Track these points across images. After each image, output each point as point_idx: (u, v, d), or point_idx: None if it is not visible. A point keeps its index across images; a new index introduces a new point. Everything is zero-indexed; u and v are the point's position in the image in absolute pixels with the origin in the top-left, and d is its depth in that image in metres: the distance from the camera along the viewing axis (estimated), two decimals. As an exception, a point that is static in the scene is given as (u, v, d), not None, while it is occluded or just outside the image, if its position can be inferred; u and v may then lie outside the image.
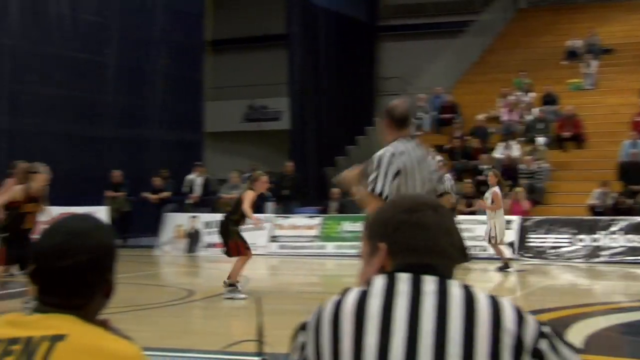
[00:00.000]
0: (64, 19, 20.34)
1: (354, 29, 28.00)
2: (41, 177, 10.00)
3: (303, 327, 1.98)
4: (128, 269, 13.45)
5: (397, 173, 5.35)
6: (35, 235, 9.87)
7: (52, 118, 20.00)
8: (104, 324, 1.99)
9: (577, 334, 8.14)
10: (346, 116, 26.84)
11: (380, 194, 5.31)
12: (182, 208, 19.97)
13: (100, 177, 20.65)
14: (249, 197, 11.30)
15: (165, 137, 23.14)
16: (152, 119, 22.90)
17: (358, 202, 5.57)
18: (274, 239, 18.37)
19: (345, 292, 1.96)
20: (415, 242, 1.96)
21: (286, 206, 20.29)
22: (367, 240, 2.05)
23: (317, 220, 18.42)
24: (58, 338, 1.86)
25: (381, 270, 1.97)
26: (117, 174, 19.82)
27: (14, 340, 1.88)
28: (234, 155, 27.99)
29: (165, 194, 20.18)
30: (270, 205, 20.95)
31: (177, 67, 23.46)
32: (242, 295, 11.06)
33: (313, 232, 18.14)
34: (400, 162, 5.35)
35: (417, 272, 1.93)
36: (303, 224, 18.31)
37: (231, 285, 11.14)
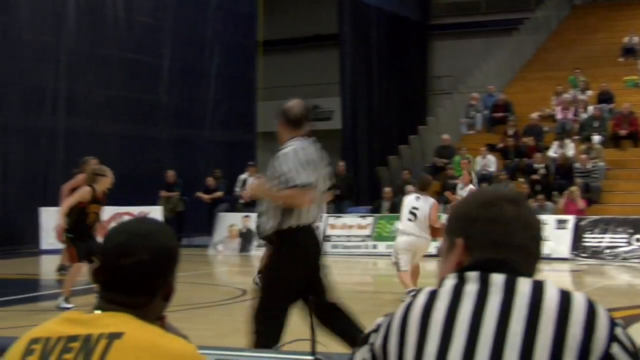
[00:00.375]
0: (120, 21, 20.62)
1: (405, 28, 27.90)
2: (107, 181, 10.36)
3: (376, 329, 1.95)
4: (182, 268, 13.49)
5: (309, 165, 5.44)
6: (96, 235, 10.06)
7: (107, 119, 20.28)
8: (162, 321, 2.02)
9: (635, 335, 8.01)
10: (398, 115, 26.77)
11: (308, 183, 5.36)
12: (234, 208, 20.10)
13: (154, 177, 20.89)
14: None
15: (218, 137, 23.32)
16: (206, 120, 23.09)
17: (285, 204, 5.55)
18: (326, 238, 18.39)
19: (417, 293, 1.92)
20: (492, 236, 1.89)
21: (338, 206, 20.30)
22: (445, 236, 1.99)
23: (369, 220, 18.39)
24: (115, 336, 1.89)
25: (458, 267, 1.91)
26: (171, 174, 20.01)
27: (73, 338, 1.91)
28: (286, 155, 28.00)
29: (218, 194, 20.32)
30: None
31: (230, 67, 23.62)
32: None
33: (365, 232, 18.12)
34: (308, 156, 5.51)
35: (489, 269, 1.85)
36: (355, 223, 18.28)
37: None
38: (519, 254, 1.89)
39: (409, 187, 12.39)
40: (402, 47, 27.58)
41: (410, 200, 11.13)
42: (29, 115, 18.49)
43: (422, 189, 11.28)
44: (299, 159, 5.43)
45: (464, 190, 16.13)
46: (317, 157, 5.59)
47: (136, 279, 1.98)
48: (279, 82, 28.66)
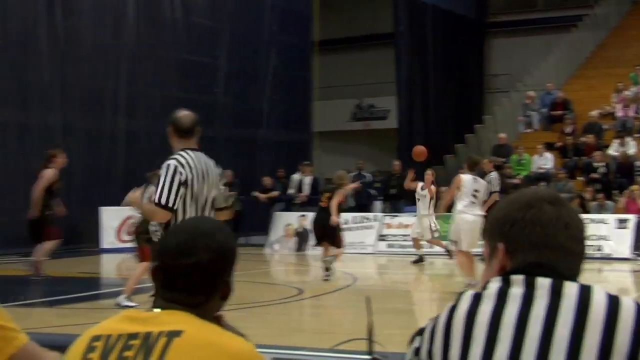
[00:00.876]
0: (178, 23, 20.85)
1: (462, 26, 27.70)
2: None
3: (420, 332, 1.95)
4: (239, 267, 13.59)
5: (182, 183, 5.38)
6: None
7: (165, 119, 20.40)
8: (219, 320, 2.05)
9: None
10: (454, 114, 26.59)
11: (166, 205, 5.28)
12: (291, 207, 20.18)
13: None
14: (339, 195, 12.55)
15: (274, 137, 23.43)
16: (262, 120, 23.22)
17: (145, 215, 5.61)
18: (382, 237, 18.35)
19: (460, 296, 1.91)
20: (532, 239, 1.86)
21: (394, 205, 20.24)
22: (486, 241, 1.96)
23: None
24: (175, 334, 1.92)
25: (501, 272, 1.88)
26: (228, 174, 20.15)
27: (133, 335, 1.94)
28: (342, 154, 28.08)
29: (274, 193, 20.43)
30: (378, 204, 20.94)
31: (286, 67, 23.71)
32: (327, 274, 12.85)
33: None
34: (185, 173, 5.41)
35: (534, 273, 1.83)
36: (411, 222, 18.21)
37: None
38: (560, 255, 1.86)
39: (461, 169, 12.63)
40: (459, 45, 27.38)
41: (469, 181, 11.35)
42: (90, 116, 18.80)
43: (471, 168, 11.63)
44: (171, 176, 5.41)
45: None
46: (205, 167, 5.59)
47: (195, 278, 2.00)
48: (334, 82, 28.69)
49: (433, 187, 15.29)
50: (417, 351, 1.93)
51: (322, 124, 26.48)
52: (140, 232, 10.16)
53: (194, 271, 2.00)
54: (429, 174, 15.54)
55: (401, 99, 25.53)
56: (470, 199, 11.24)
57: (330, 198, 13.14)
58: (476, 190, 11.32)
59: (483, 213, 11.15)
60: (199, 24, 21.36)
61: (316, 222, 13.55)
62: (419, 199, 15.48)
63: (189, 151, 5.60)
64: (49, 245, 12.37)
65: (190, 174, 5.42)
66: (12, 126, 17.27)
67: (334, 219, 12.77)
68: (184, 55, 20.93)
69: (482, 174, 13.13)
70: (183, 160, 5.48)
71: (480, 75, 29.11)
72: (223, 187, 5.84)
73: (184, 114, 5.86)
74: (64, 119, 18.28)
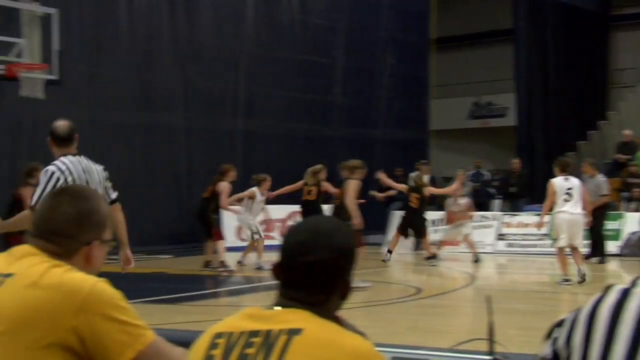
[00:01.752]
0: (295, 24, 21.08)
1: (584, 20, 26.94)
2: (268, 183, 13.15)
3: (559, 324, 1.90)
4: (357, 266, 13.69)
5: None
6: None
7: (283, 120, 20.78)
8: (338, 320, 2.05)
9: None
10: (576, 110, 25.90)
11: (33, 208, 5.61)
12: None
13: (328, 176, 21.19)
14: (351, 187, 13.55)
15: (391, 136, 23.39)
16: (379, 119, 23.22)
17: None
18: (501, 237, 18.06)
19: (607, 289, 1.85)
20: None
21: (514, 204, 19.89)
22: None
23: (545, 218, 17.87)
24: (295, 332, 1.93)
25: None
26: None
27: (254, 333, 1.97)
28: (459, 152, 27.79)
29: (391, 192, 20.37)
30: (497, 203, 20.62)
31: (403, 66, 23.64)
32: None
33: (542, 230, 17.64)
34: (63, 177, 5.83)
35: None
36: (531, 221, 17.85)
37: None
38: None
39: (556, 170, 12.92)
40: (580, 39, 26.63)
41: (561, 183, 12.14)
42: (210, 117, 19.22)
43: (563, 170, 12.29)
44: (46, 180, 5.81)
45: (457, 203, 16.03)
46: (85, 170, 6.03)
47: (315, 277, 2.01)
48: (452, 80, 28.42)
49: None
50: (555, 341, 1.88)
51: (439, 122, 26.26)
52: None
53: (313, 270, 2.01)
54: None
55: (520, 96, 25.06)
56: (564, 197, 12.04)
57: (418, 198, 14.99)
58: (569, 189, 12.09)
59: (582, 211, 12.11)
60: (316, 24, 21.54)
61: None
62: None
63: (69, 156, 6.01)
64: (220, 245, 13.93)
65: (70, 177, 5.86)
66: (137, 127, 17.83)
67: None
68: (302, 55, 21.14)
69: (579, 176, 13.39)
70: (62, 167, 5.92)
71: (604, 70, 28.23)
72: (109, 184, 6.33)
73: (61, 124, 6.22)
74: (185, 120, 18.75)
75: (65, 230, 2.26)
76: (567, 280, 11.97)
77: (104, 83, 17.14)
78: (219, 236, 14.07)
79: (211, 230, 13.99)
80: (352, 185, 12.49)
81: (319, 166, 14.55)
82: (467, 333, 7.85)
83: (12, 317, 2.05)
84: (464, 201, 16.23)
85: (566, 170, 12.31)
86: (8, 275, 2.13)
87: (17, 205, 9.80)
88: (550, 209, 12.33)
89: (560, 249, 12.17)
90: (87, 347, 2.06)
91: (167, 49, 18.37)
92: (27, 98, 11.91)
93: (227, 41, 19.63)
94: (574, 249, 12.16)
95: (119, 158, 17.35)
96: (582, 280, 11.93)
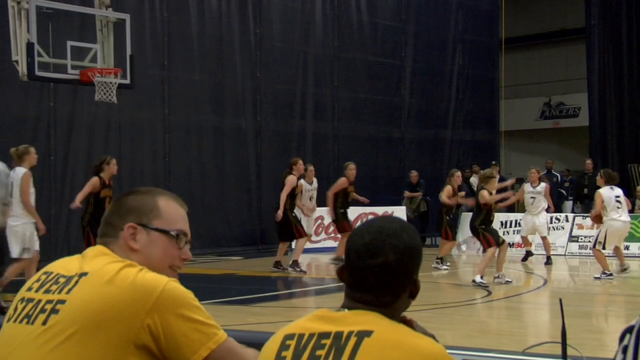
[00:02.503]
0: (364, 25, 21.09)
1: (659, 17, 26.33)
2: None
3: (630, 329, 1.86)
4: (426, 268, 13.65)
5: None
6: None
7: (352, 121, 20.80)
8: (408, 322, 2.05)
9: None
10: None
11: None
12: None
13: (397, 177, 21.18)
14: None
15: (461, 137, 23.23)
16: (448, 119, 23.08)
17: None
18: (573, 238, 17.77)
19: None
20: None
21: (586, 205, 19.55)
22: None
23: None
24: (365, 334, 1.94)
25: None
26: (414, 175, 20.17)
27: (324, 335, 1.98)
28: (530, 153, 27.44)
29: (461, 194, 20.22)
30: (569, 204, 20.30)
31: (472, 66, 23.46)
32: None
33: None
34: None
35: None
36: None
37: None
38: None
39: (599, 180, 13.63)
40: (656, 37, 26.06)
41: (608, 193, 13.04)
42: (279, 119, 19.34)
43: (608, 182, 13.18)
44: None
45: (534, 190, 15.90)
46: None
47: (383, 278, 2.01)
48: (522, 80, 28.09)
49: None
50: (625, 349, 1.85)
51: (510, 122, 25.97)
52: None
53: (381, 271, 2.01)
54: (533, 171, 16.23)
55: (593, 96, 24.62)
56: (615, 205, 12.98)
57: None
58: (617, 197, 13.07)
59: (629, 219, 13.38)
60: (385, 25, 21.52)
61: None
62: (533, 198, 15.79)
63: None
64: (301, 242, 14.06)
65: None
66: (208, 129, 18.05)
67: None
68: (370, 57, 21.14)
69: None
70: None
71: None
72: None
73: None
74: (255, 122, 18.91)
75: (108, 219, 2.33)
76: (609, 275, 13.11)
77: (175, 87, 17.40)
78: (301, 234, 13.99)
79: (290, 229, 13.85)
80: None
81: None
82: (538, 336, 7.77)
83: (87, 315, 2.09)
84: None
85: (611, 182, 13.23)
86: (83, 274, 2.18)
87: None
88: (600, 218, 13.13)
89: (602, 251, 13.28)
90: (160, 345, 2.10)
91: (237, 52, 18.55)
92: (101, 102, 12.13)
93: (296, 44, 19.74)
94: (616, 248, 13.44)
95: (190, 160, 17.60)
96: (624, 269, 13.42)
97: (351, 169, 14.83)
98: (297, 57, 19.81)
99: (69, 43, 11.67)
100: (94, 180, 11.41)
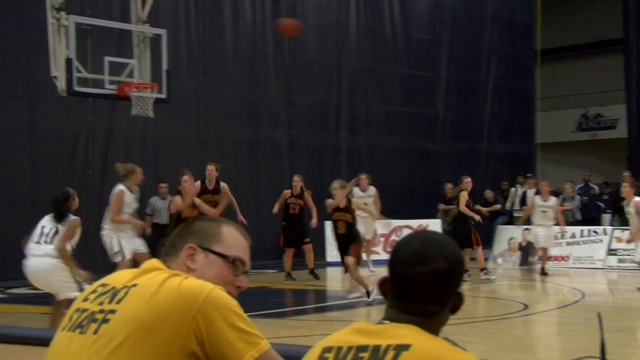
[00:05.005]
0: (398, 38, 21.11)
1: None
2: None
3: None
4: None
5: None
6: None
7: (386, 134, 20.80)
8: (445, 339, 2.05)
9: None
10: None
11: None
12: (513, 221, 19.79)
13: (432, 190, 21.10)
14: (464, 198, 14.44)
15: (496, 150, 23.12)
16: (483, 132, 23.00)
17: None
18: (612, 252, 17.58)
19: None
20: None
21: (625, 218, 19.33)
22: None
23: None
24: (403, 347, 1.94)
25: None
26: (449, 187, 20.09)
27: (362, 348, 1.99)
28: (567, 165, 27.21)
29: (496, 207, 20.13)
30: (608, 217, 20.11)
31: (508, 78, 23.37)
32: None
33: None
34: None
35: None
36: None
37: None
38: None
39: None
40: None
41: None
42: (314, 132, 19.39)
43: (638, 192, 13.46)
44: None
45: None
46: None
47: (432, 286, 2.01)
48: (558, 92, 27.89)
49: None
50: None
51: (546, 135, 25.79)
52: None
53: (431, 279, 2.01)
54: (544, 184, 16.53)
55: (631, 107, 24.39)
56: None
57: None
58: None
59: None
60: (419, 38, 21.52)
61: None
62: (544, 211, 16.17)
63: None
64: (480, 251, 14.97)
65: None
66: (243, 143, 18.15)
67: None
68: (405, 69, 21.14)
69: None
70: None
71: None
72: None
73: None
74: (289, 136, 18.98)
75: (171, 241, 2.41)
76: None
77: (211, 100, 17.52)
78: (478, 242, 14.65)
79: (469, 236, 14.48)
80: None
81: None
82: (575, 351, 7.69)
83: (136, 323, 2.13)
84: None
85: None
86: (133, 285, 2.24)
87: None
88: None
89: None
90: (206, 351, 2.12)
91: (272, 65, 18.65)
92: (137, 116, 12.25)
93: (330, 57, 19.80)
94: None
95: (225, 173, 17.70)
96: None
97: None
98: (331, 70, 19.87)
99: (107, 58, 11.80)
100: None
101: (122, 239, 10.94)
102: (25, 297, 12.30)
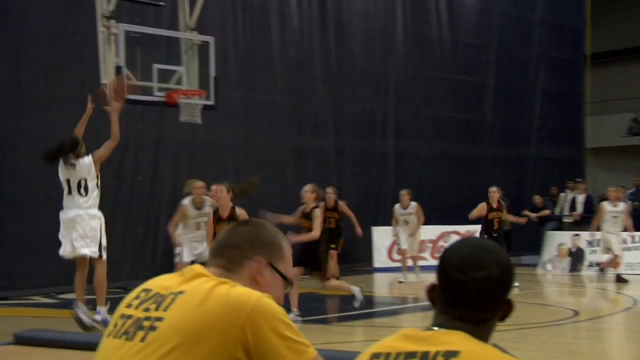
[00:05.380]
0: (445, 44, 21.02)
1: None
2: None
3: None
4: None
5: None
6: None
7: (433, 140, 20.71)
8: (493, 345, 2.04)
9: None
10: None
11: None
12: (563, 226, 19.58)
13: (480, 196, 20.93)
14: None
15: (545, 155, 22.90)
16: (531, 137, 22.80)
17: None
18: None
19: None
20: None
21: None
22: None
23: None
24: (452, 354, 1.93)
25: None
26: (493, 191, 19.94)
27: (411, 354, 1.98)
28: (617, 170, 26.83)
29: (545, 212, 19.94)
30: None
31: (557, 83, 23.14)
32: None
33: None
34: None
35: None
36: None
37: None
38: None
39: None
40: None
41: None
42: (360, 138, 19.38)
43: None
44: None
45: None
46: None
47: (484, 292, 2.00)
48: (608, 96, 27.53)
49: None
50: None
51: (596, 139, 25.48)
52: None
53: (484, 285, 2.00)
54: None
55: (683, 111, 24.00)
56: None
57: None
58: None
59: None
60: (466, 43, 21.41)
61: None
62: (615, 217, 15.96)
63: None
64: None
65: None
66: (290, 149, 18.20)
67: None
68: (452, 75, 21.05)
69: None
70: None
71: None
72: None
73: None
74: (336, 142, 18.99)
75: (235, 242, 2.37)
76: None
77: (258, 107, 17.61)
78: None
79: None
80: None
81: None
82: (627, 359, 7.58)
83: (184, 331, 2.14)
84: None
85: None
86: (180, 292, 2.24)
87: None
88: None
89: None
90: None
91: (318, 72, 18.69)
92: (185, 123, 12.35)
93: (376, 63, 19.79)
94: None
95: (272, 180, 17.77)
96: None
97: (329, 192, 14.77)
98: (378, 76, 19.85)
99: (155, 66, 11.92)
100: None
101: (187, 243, 11.85)
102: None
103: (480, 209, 14.69)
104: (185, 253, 11.82)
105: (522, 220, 15.27)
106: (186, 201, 12.00)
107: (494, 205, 14.78)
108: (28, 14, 14.25)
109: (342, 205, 15.18)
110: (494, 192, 14.88)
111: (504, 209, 14.89)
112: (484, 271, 2.00)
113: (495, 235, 14.53)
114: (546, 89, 22.98)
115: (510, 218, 15.14)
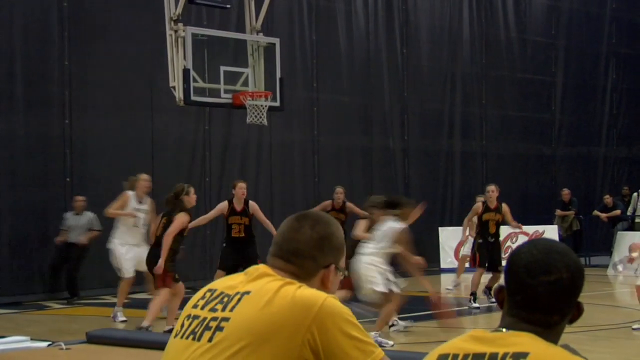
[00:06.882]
0: (512, 42, 20.80)
1: None
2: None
3: None
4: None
5: None
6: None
7: (500, 139, 20.51)
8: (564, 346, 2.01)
9: None
10: None
11: None
12: (634, 226, 19.19)
13: (549, 196, 20.70)
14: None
15: (615, 154, 22.50)
16: (601, 136, 22.42)
17: None
18: None
19: None
20: None
21: None
22: None
23: None
24: (521, 355, 1.91)
25: None
26: (566, 193, 19.68)
27: (479, 356, 1.97)
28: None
29: (616, 212, 19.58)
30: None
31: (627, 80, 22.73)
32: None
33: None
34: None
35: None
36: None
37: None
38: None
39: None
40: None
41: None
42: (427, 138, 19.29)
43: None
44: None
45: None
46: None
47: (554, 296, 1.98)
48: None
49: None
50: None
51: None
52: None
53: (553, 290, 1.97)
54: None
55: None
56: None
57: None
58: None
59: None
60: (534, 41, 21.16)
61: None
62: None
63: None
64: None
65: None
66: (357, 150, 18.21)
67: None
68: (520, 74, 20.82)
69: None
70: None
71: None
72: None
73: None
74: (402, 142, 18.93)
75: (307, 252, 2.35)
76: None
77: (324, 108, 17.65)
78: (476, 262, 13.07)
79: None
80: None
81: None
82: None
83: (251, 332, 2.16)
84: None
85: None
86: (246, 292, 2.26)
87: None
88: None
89: None
90: None
91: (385, 72, 18.66)
92: (252, 124, 12.45)
93: (443, 62, 19.68)
94: None
95: (339, 181, 17.79)
96: None
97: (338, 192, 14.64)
98: (445, 76, 19.73)
99: (222, 68, 12.04)
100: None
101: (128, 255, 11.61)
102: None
103: (474, 209, 12.86)
104: (128, 267, 11.29)
105: (519, 226, 13.89)
106: (130, 193, 11.35)
107: (491, 206, 12.65)
108: (106, 17, 14.53)
109: (351, 206, 14.49)
110: (492, 191, 12.71)
111: (507, 213, 12.81)
112: (554, 275, 1.97)
113: (492, 240, 12.66)
114: (616, 86, 22.56)
115: (512, 223, 13.35)
